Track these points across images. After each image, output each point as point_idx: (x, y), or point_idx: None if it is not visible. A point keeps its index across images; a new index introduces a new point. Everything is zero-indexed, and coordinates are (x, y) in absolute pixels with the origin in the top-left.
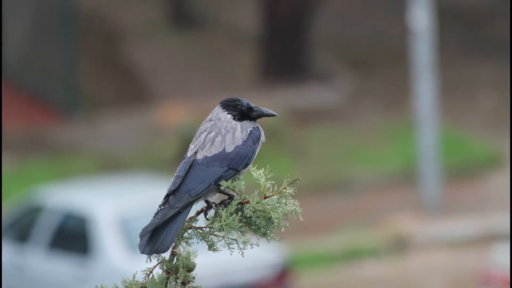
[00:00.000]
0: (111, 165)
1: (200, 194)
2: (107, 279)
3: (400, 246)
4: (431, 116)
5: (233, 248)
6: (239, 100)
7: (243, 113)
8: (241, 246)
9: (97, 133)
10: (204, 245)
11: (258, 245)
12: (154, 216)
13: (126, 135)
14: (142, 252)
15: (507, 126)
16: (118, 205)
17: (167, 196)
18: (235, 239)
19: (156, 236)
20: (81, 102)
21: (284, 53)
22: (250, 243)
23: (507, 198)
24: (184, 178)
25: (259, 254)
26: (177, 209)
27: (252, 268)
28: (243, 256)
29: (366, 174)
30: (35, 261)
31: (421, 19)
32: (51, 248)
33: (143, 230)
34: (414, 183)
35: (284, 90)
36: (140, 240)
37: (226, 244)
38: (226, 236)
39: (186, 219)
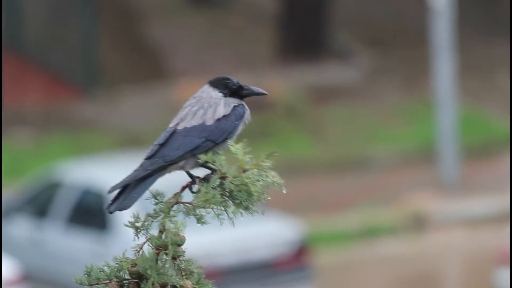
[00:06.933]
0: (130, 141)
1: (175, 160)
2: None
3: (418, 224)
4: (450, 95)
5: (223, 219)
6: (229, 78)
7: (233, 91)
8: (231, 216)
9: (116, 109)
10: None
11: (254, 214)
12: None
13: (144, 112)
14: (107, 210)
15: None
16: None
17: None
18: (225, 210)
19: (121, 196)
20: (100, 79)
21: (303, 31)
22: (240, 211)
23: None
24: (161, 146)
25: (277, 232)
26: (148, 171)
27: (270, 245)
28: (234, 226)
29: (384, 152)
30: (53, 237)
31: None
32: (69, 223)
33: (111, 187)
34: (433, 162)
35: (303, 68)
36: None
37: (215, 216)
38: (213, 208)
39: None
